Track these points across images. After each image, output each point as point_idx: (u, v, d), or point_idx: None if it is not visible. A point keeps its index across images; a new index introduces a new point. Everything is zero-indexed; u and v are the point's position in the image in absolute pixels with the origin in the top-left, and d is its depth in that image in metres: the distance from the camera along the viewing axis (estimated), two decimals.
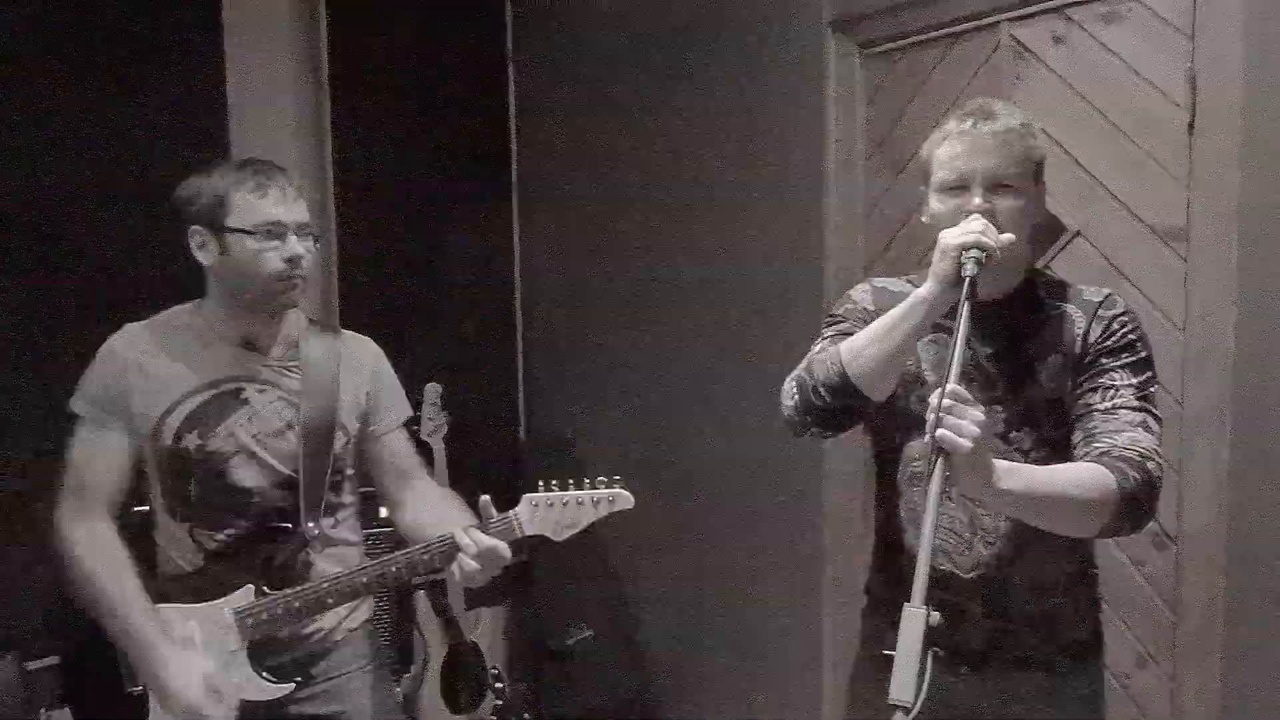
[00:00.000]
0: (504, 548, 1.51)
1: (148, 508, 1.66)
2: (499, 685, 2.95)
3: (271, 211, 1.53)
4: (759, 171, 2.67)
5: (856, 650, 1.60)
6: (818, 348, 1.49)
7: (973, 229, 1.27)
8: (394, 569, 1.55)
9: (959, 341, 1.17)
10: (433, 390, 2.89)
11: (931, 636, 0.96)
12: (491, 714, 2.90)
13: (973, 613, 1.40)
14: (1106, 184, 2.03)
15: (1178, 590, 1.96)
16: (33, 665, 2.15)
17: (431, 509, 1.68)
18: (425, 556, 1.54)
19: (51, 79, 2.47)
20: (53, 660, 2.20)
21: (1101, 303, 1.38)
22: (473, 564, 1.50)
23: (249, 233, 1.53)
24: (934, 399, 1.11)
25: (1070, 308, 1.39)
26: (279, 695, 1.56)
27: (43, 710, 2.11)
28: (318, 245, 1.63)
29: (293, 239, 1.55)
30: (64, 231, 2.49)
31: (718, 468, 2.82)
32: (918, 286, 1.48)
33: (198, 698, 1.48)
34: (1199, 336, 1.90)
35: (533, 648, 3.16)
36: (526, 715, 2.98)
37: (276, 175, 1.57)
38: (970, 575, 1.39)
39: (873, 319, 1.47)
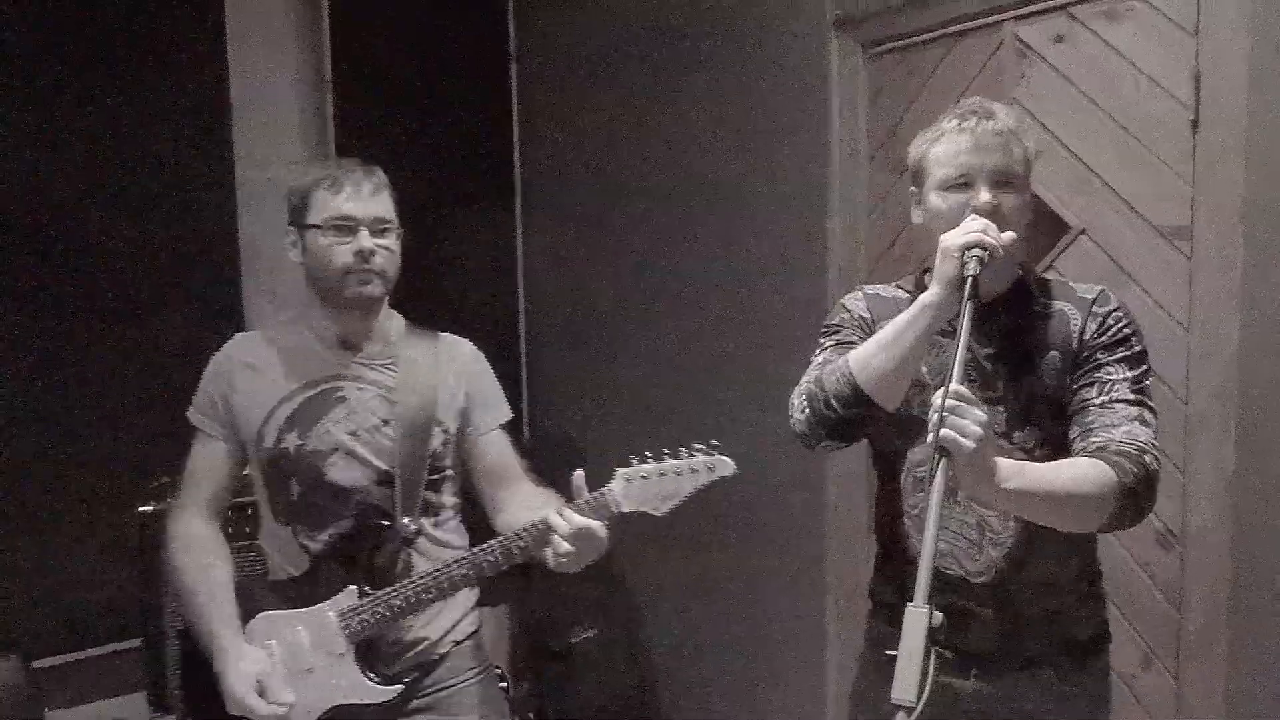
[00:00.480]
0: (599, 527, 1.43)
1: (153, 506, 1.69)
2: (502, 685, 2.95)
3: (342, 207, 1.56)
4: (762, 171, 2.67)
5: (861, 653, 1.60)
6: (819, 359, 1.48)
7: (973, 228, 1.27)
8: (490, 559, 1.50)
9: (961, 342, 1.17)
10: None
11: (935, 637, 0.95)
12: None
13: (982, 616, 1.39)
14: (1110, 182, 2.02)
15: (1182, 589, 1.96)
16: (38, 664, 2.15)
17: (529, 509, 1.58)
18: (520, 544, 1.47)
19: (54, 79, 2.48)
20: (57, 660, 2.22)
21: (1095, 299, 1.39)
22: (566, 545, 1.41)
23: (320, 228, 1.57)
24: (937, 399, 1.11)
25: (1065, 305, 1.40)
26: (387, 698, 1.55)
27: (47, 709, 2.12)
28: (399, 237, 1.64)
29: (364, 233, 1.56)
30: (67, 231, 2.50)
31: None
32: (907, 292, 1.49)
33: (243, 692, 1.49)
34: (1203, 335, 1.90)
35: (535, 647, 3.16)
36: (530, 715, 2.98)
37: (355, 172, 1.60)
38: (980, 579, 1.39)
39: (869, 326, 1.48)
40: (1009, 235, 1.30)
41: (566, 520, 1.42)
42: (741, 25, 2.69)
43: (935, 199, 1.39)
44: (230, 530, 1.73)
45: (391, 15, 3.07)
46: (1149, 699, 2.03)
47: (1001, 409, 1.37)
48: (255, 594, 1.60)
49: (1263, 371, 1.81)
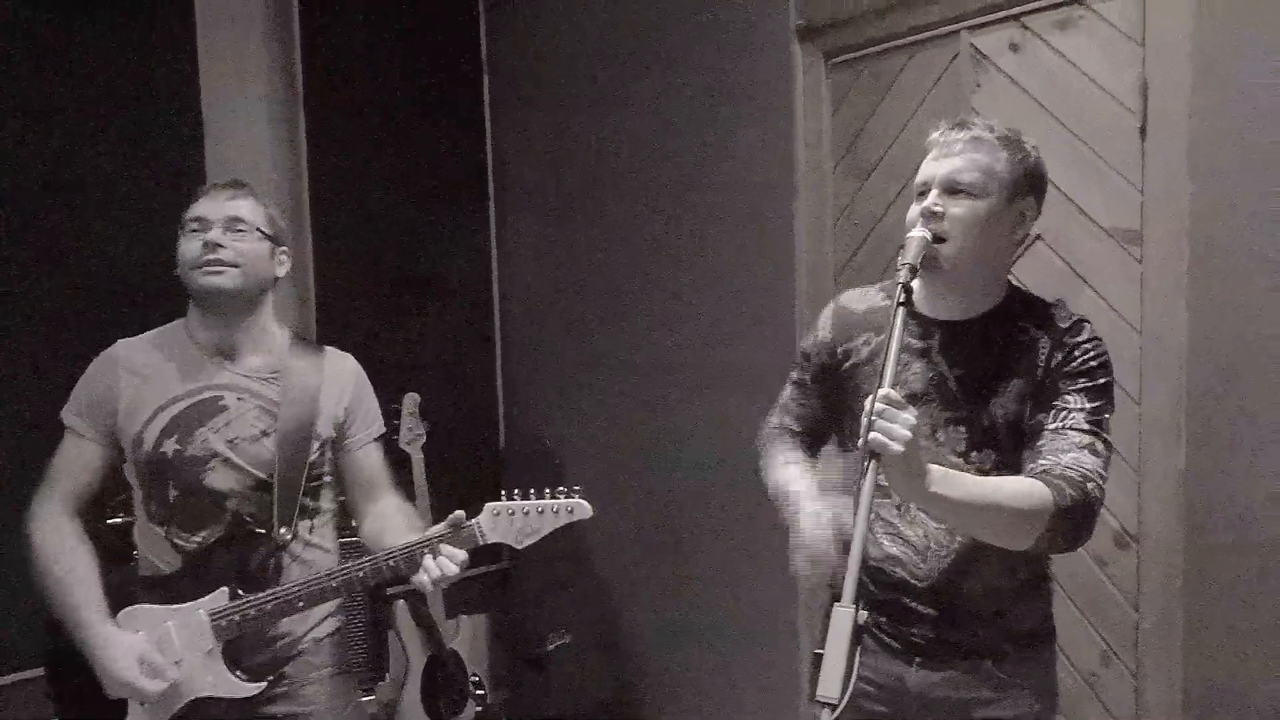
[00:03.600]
0: (456, 571, 1.57)
1: (122, 518, 1.71)
2: (480, 692, 2.96)
3: (196, 209, 1.66)
4: (730, 178, 2.71)
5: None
6: (783, 396, 1.64)
7: (907, 246, 1.32)
8: (361, 574, 1.60)
9: (893, 349, 1.20)
10: (411, 400, 2.91)
11: (862, 632, 0.98)
12: None
13: (925, 614, 1.43)
14: (1063, 188, 2.06)
15: (1139, 588, 1.99)
16: (6, 680, 2.16)
17: (388, 521, 1.75)
18: (390, 564, 1.59)
19: (23, 100, 2.49)
20: (27, 674, 2.21)
21: (1068, 329, 1.39)
22: (427, 582, 1.57)
23: (180, 229, 1.66)
24: (868, 404, 1.13)
25: (1039, 333, 1.40)
26: (251, 694, 1.61)
27: None
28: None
29: (215, 230, 1.64)
30: (37, 249, 2.51)
31: (695, 473, 2.85)
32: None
33: (132, 675, 1.54)
34: (1154, 338, 1.93)
35: (513, 655, 3.18)
36: None
37: (229, 184, 1.71)
38: (923, 584, 1.43)
39: (828, 351, 1.55)
40: (942, 247, 1.33)
41: (438, 566, 1.57)
42: (708, 34, 2.72)
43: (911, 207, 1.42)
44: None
45: (363, 24, 3.10)
46: (1109, 696, 2.06)
47: (963, 429, 1.40)
48: (124, 588, 1.64)
49: (1211, 372, 1.84)
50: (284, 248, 1.75)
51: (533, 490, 1.61)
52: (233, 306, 1.67)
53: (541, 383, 3.37)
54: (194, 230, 1.65)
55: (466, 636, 2.99)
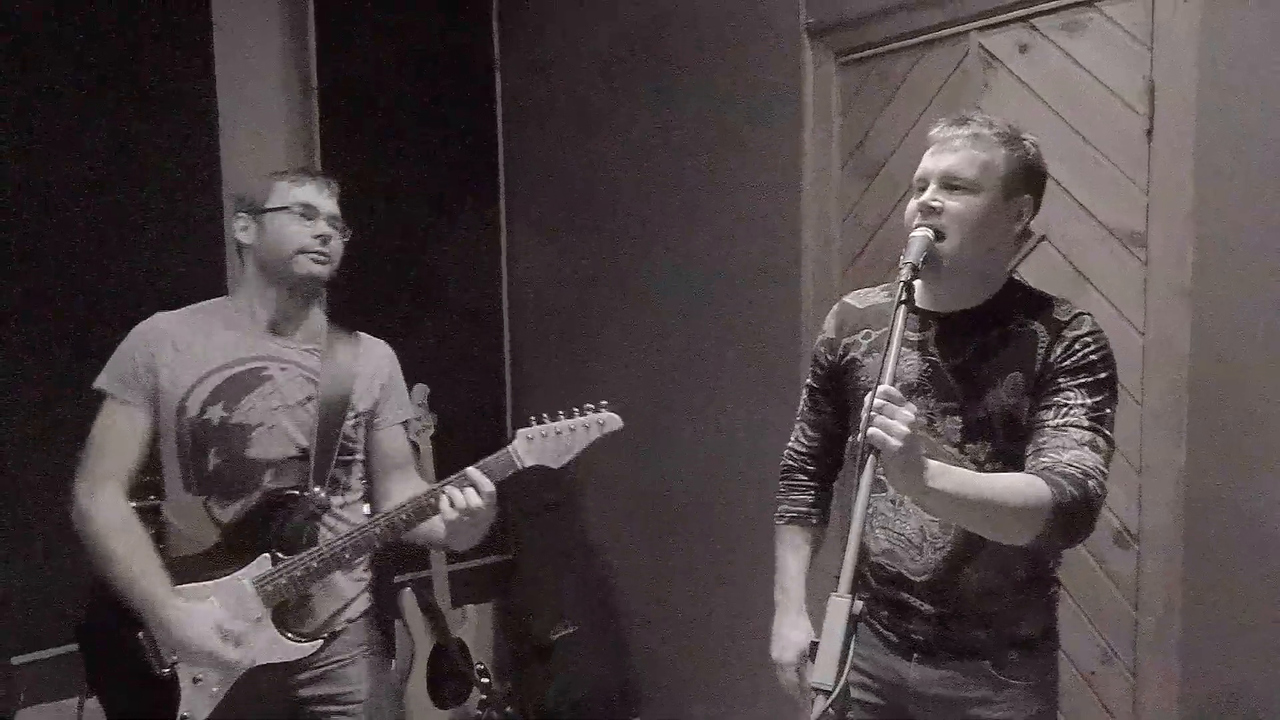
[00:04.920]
0: (488, 488, 1.58)
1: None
2: (484, 680, 3.00)
3: (307, 196, 1.72)
4: (739, 176, 2.72)
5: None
6: (801, 406, 1.69)
7: (910, 245, 1.34)
8: (403, 517, 1.62)
9: (894, 346, 1.21)
10: (420, 391, 2.94)
11: (857, 621, 1.00)
12: (477, 709, 2.96)
13: (922, 610, 1.44)
14: (1070, 189, 2.07)
15: (1139, 586, 2.00)
16: (17, 660, 2.19)
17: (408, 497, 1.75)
18: (431, 501, 1.60)
19: (41, 91, 2.52)
20: (34, 656, 2.23)
21: (1068, 322, 1.38)
22: (456, 504, 1.57)
23: (284, 209, 1.70)
24: (868, 399, 1.15)
25: (1038, 325, 1.39)
26: (308, 654, 1.65)
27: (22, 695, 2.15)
28: (345, 240, 1.78)
29: (323, 223, 1.72)
30: (53, 239, 2.54)
31: (701, 466, 2.87)
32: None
33: (214, 644, 1.56)
34: (1157, 338, 1.94)
35: (517, 644, 3.21)
36: (509, 709, 3.03)
37: (317, 176, 1.78)
38: (921, 578, 1.44)
39: (831, 349, 1.58)
40: (940, 244, 1.34)
41: (464, 496, 1.58)
42: (719, 33, 2.74)
43: (910, 203, 1.44)
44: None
45: (377, 22, 3.12)
46: (1107, 694, 2.07)
47: (959, 420, 1.40)
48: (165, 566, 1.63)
49: (1212, 372, 1.86)
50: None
51: (561, 411, 1.64)
52: (316, 294, 1.77)
53: (549, 376, 3.40)
54: (302, 215, 1.70)
55: (472, 625, 3.03)
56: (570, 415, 1.63)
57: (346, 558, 1.63)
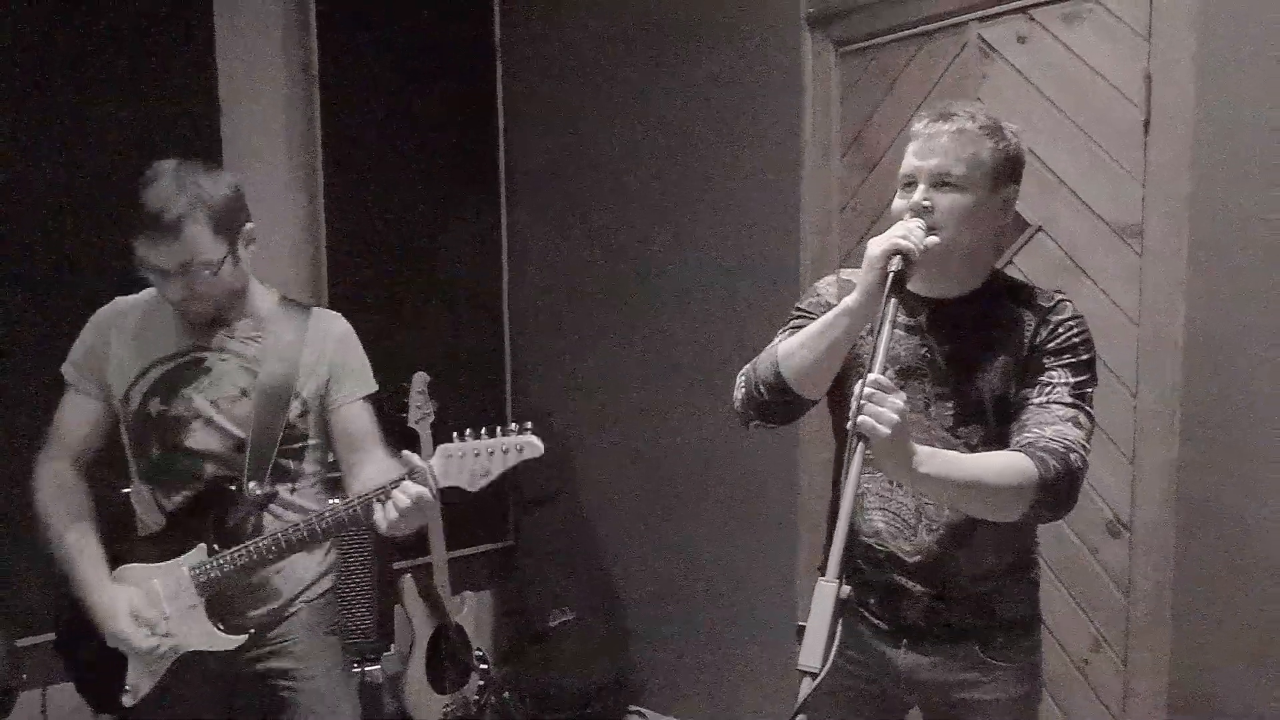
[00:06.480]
0: (414, 491, 1.53)
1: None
2: (483, 666, 3.02)
3: (148, 257, 1.58)
4: (738, 166, 2.73)
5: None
6: (778, 339, 1.54)
7: (895, 233, 1.33)
8: (324, 525, 1.62)
9: (884, 334, 1.23)
10: (420, 379, 2.95)
11: (844, 605, 1.01)
12: (475, 694, 2.98)
13: (913, 592, 1.46)
14: (1066, 181, 2.08)
15: (1130, 576, 2.02)
16: (23, 642, 2.22)
17: (373, 475, 1.69)
18: (351, 512, 1.59)
19: (41, 78, 2.52)
20: (44, 637, 2.26)
21: (1051, 308, 1.43)
22: (393, 513, 1.54)
23: (145, 275, 1.62)
24: (858, 388, 1.17)
25: (1024, 311, 1.44)
26: (232, 646, 1.67)
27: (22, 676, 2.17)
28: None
29: (174, 280, 1.59)
30: (51, 228, 2.54)
31: (699, 455, 2.89)
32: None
33: (125, 627, 1.61)
34: (1152, 330, 1.95)
35: (516, 630, 3.24)
36: (508, 695, 3.06)
37: (157, 223, 1.57)
38: (914, 560, 1.46)
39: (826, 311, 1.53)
40: (931, 239, 1.34)
41: (392, 506, 1.54)
42: (719, 22, 2.74)
43: (895, 199, 1.45)
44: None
45: (378, 9, 3.12)
46: (1098, 682, 2.09)
47: (950, 404, 1.43)
48: (122, 547, 1.70)
49: (1207, 366, 1.87)
50: (247, 226, 1.66)
51: (484, 430, 1.56)
52: (220, 311, 1.69)
53: (549, 364, 3.41)
54: (156, 276, 1.59)
55: (471, 612, 3.05)
56: (492, 434, 1.56)
57: (271, 557, 1.64)
